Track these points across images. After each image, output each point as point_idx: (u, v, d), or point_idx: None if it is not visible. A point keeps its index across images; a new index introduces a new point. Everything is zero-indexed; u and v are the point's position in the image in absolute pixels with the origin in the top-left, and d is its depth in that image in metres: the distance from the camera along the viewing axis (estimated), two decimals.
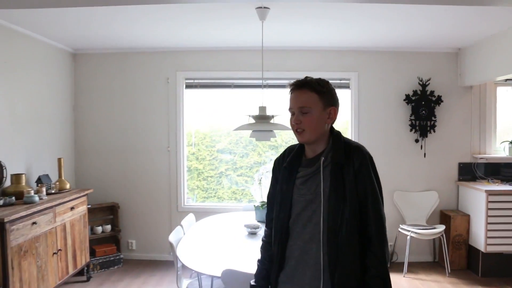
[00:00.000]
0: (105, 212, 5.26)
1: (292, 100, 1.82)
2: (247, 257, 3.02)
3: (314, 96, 1.77)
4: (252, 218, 4.12)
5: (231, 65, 5.27)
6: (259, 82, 5.24)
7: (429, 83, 5.08)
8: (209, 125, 5.71)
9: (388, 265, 1.84)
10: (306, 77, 1.82)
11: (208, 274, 2.81)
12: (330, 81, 1.89)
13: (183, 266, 3.04)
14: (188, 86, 5.42)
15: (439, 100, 5.07)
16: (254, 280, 2.02)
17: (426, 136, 5.10)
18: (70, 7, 3.54)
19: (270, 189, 2.04)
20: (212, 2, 3.55)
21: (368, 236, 1.77)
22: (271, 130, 3.80)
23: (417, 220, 5.03)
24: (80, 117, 5.40)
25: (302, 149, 1.91)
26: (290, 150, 1.96)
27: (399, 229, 4.93)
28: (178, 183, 5.37)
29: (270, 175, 4.50)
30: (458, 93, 5.14)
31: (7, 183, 3.94)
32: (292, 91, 1.82)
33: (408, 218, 5.05)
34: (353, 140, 1.89)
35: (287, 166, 1.88)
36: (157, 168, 5.37)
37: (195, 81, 5.41)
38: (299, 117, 1.79)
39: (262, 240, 2.06)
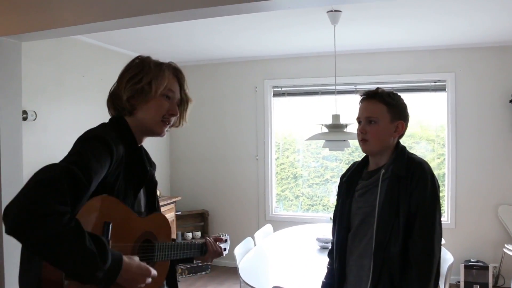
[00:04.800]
0: (195, 219, 5.49)
1: (361, 109, 1.80)
2: (310, 273, 2.90)
3: (382, 108, 1.73)
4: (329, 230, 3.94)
5: (315, 71, 5.13)
6: (350, 87, 5.05)
7: None
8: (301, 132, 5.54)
9: None
10: (378, 88, 1.80)
11: None
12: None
13: None
14: (276, 94, 5.43)
15: None
16: None
17: None
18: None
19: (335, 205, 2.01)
20: (278, 10, 3.49)
21: (409, 264, 1.60)
22: (344, 140, 3.62)
23: None
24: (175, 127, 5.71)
25: (365, 163, 1.87)
26: (353, 165, 1.93)
27: (504, 249, 4.30)
28: (266, 191, 5.39)
29: None
30: None
31: None
32: (362, 101, 1.81)
33: None
34: (418, 156, 1.76)
35: (347, 180, 1.86)
36: (246, 176, 5.45)
37: (282, 89, 5.39)
38: (365, 126, 1.76)
39: (328, 255, 2.02)
